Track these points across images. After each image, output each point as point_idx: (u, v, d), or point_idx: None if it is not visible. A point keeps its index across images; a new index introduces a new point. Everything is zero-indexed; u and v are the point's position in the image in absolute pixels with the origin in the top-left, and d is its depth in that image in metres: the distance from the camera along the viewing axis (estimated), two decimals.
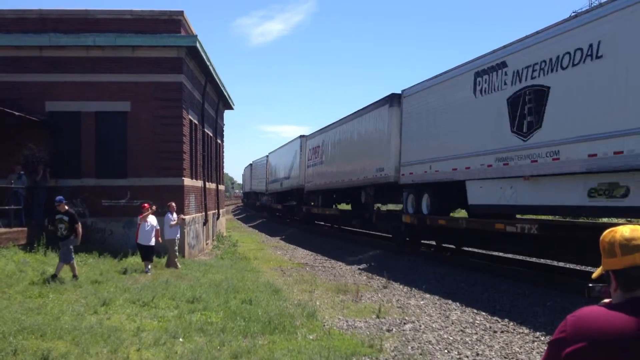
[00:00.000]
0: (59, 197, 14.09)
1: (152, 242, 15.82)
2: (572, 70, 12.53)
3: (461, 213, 20.65)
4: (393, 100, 21.89)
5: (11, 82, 18.90)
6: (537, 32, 13.91)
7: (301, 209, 38.56)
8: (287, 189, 42.18)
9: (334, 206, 32.80)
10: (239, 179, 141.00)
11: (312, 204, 36.07)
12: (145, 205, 16.28)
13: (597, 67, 11.83)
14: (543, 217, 18.18)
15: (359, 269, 19.05)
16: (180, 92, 19.62)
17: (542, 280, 14.28)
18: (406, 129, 20.84)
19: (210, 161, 27.23)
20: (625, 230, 2.19)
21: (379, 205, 26.27)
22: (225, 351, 8.16)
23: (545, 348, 2.23)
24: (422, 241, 21.91)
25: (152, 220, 16.00)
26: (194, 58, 21.12)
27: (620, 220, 13.96)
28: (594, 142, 11.78)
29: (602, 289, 2.31)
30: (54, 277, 12.94)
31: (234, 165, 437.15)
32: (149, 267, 15.52)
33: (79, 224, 13.88)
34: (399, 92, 21.78)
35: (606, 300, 2.24)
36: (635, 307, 2.09)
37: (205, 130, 25.38)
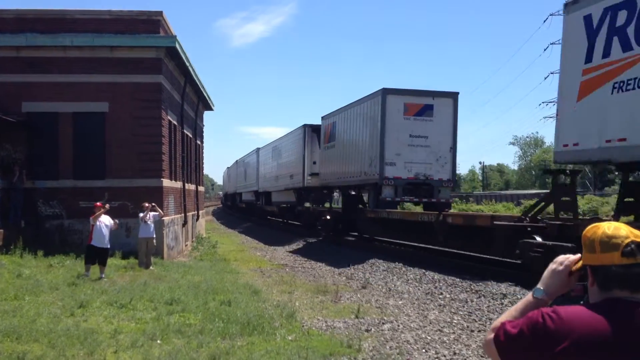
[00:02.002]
0: None
1: (108, 245, 14.73)
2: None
3: None
4: None
5: None
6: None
7: (315, 214, 30.47)
8: (286, 188, 36.15)
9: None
10: (219, 181, 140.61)
11: (321, 204, 29.61)
12: (98, 204, 15.17)
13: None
14: None
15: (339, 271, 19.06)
16: (159, 93, 19.53)
17: (523, 281, 14.37)
18: None
19: (190, 162, 27.12)
20: (608, 228, 2.21)
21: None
22: (204, 353, 8.14)
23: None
24: None
25: (106, 220, 14.88)
26: (173, 59, 21.03)
27: None
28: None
29: (576, 287, 2.34)
30: None
31: (214, 167, 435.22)
32: (104, 272, 14.40)
33: None
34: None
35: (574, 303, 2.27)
36: (613, 309, 2.11)
37: (185, 131, 25.29)
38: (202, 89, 27.54)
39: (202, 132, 33.41)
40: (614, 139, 12.09)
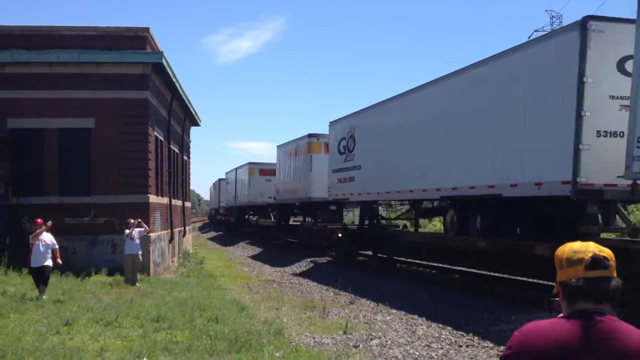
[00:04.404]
0: None
1: (48, 263, 13.53)
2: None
3: None
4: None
5: None
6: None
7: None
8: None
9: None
10: (206, 196, 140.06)
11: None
12: (39, 220, 13.99)
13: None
14: None
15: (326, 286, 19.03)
16: (145, 109, 19.49)
17: (509, 295, 14.45)
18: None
19: (177, 178, 27.04)
20: (575, 245, 2.33)
21: None
22: None
23: None
24: None
25: (47, 238, 13.79)
26: (159, 74, 21.02)
27: None
28: None
29: (557, 302, 2.41)
30: None
31: (201, 182, 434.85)
32: (44, 293, 13.31)
33: None
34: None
35: (561, 315, 2.34)
36: (577, 320, 2.21)
37: (172, 146, 25.23)
38: (188, 105, 27.51)
39: (189, 147, 33.35)
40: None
